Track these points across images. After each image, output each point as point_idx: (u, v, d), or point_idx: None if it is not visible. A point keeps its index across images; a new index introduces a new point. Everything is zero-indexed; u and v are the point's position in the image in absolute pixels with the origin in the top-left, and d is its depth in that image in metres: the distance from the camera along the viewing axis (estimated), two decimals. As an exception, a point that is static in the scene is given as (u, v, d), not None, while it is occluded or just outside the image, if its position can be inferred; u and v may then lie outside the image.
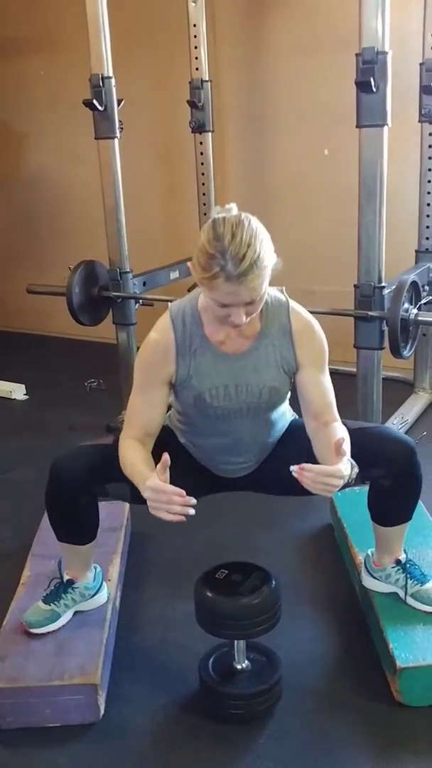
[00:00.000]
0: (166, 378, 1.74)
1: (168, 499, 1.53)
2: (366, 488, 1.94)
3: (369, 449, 1.80)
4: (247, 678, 1.78)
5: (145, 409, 1.77)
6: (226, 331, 1.69)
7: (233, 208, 1.60)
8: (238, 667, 1.80)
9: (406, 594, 1.94)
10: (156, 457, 1.63)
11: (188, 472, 1.78)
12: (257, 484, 1.93)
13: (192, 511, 1.52)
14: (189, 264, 1.60)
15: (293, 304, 1.76)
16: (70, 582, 1.98)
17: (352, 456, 1.64)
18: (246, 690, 1.75)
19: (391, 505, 1.91)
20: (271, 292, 1.72)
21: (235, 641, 1.78)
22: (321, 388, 1.76)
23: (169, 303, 1.79)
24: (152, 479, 1.55)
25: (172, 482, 1.59)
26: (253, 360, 1.73)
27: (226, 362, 1.73)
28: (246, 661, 1.81)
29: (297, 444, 1.82)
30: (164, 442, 1.79)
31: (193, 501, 1.53)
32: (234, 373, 1.73)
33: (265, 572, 1.75)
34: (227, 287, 1.52)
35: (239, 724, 1.73)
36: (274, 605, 1.72)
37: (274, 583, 1.73)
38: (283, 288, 1.78)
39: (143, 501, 1.84)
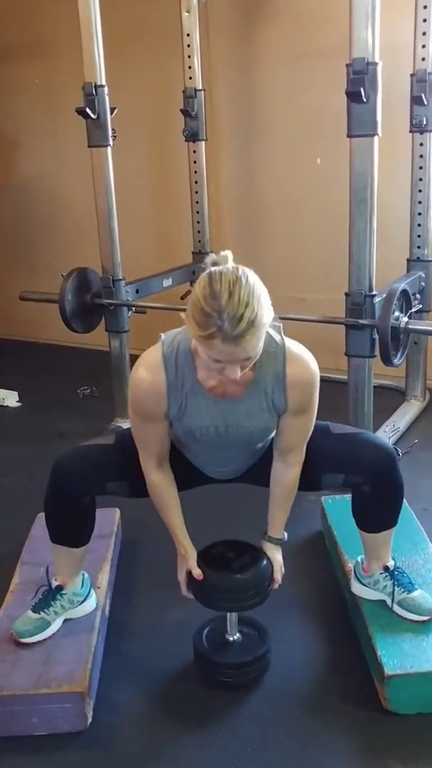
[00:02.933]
0: (162, 413, 1.73)
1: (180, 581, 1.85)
2: (354, 495, 1.95)
3: (349, 455, 1.84)
4: (238, 649, 1.90)
5: (153, 439, 1.78)
6: (219, 379, 1.64)
7: (228, 257, 1.54)
8: (230, 638, 1.90)
9: (392, 601, 1.94)
10: None
11: (180, 466, 1.86)
12: (248, 479, 1.96)
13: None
14: (183, 316, 1.54)
15: (289, 347, 1.69)
16: (59, 588, 1.97)
17: (334, 461, 1.83)
18: (236, 659, 1.87)
19: (373, 512, 1.92)
20: (269, 334, 1.65)
21: (228, 614, 1.87)
22: (296, 431, 1.78)
23: (161, 335, 1.72)
24: (183, 571, 1.85)
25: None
26: (246, 406, 1.72)
27: (218, 405, 1.72)
28: (237, 634, 1.91)
29: None
30: None
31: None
32: (225, 416, 1.73)
33: (257, 550, 1.87)
34: (223, 347, 1.48)
35: (232, 690, 1.84)
36: (264, 581, 1.83)
37: (265, 561, 1.85)
38: (280, 325, 1.69)
39: (142, 495, 1.88)
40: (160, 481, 1.82)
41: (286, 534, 1.92)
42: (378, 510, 1.91)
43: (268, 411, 1.73)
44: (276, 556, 1.90)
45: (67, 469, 1.84)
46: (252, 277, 1.50)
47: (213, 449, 1.82)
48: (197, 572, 1.81)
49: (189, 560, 1.84)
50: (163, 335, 1.73)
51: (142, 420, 1.76)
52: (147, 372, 1.70)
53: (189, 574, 1.84)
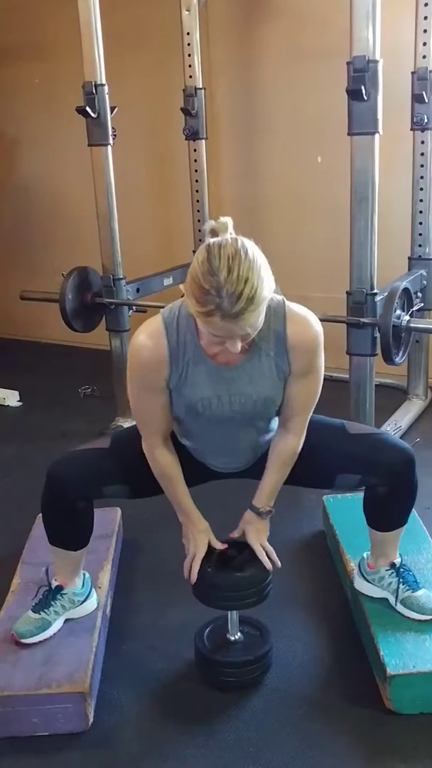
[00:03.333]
0: (163, 383, 1.69)
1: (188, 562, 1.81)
2: (358, 495, 1.94)
3: (367, 457, 1.81)
4: (239, 648, 1.88)
5: (156, 412, 1.72)
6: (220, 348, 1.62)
7: (228, 224, 1.52)
8: (232, 638, 1.89)
9: (396, 599, 1.93)
10: None
11: (184, 462, 1.82)
12: (252, 474, 1.91)
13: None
14: (182, 287, 1.53)
15: (289, 308, 1.66)
16: (59, 588, 1.96)
17: (351, 462, 1.80)
18: (238, 659, 1.85)
19: (387, 511, 1.91)
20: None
21: (228, 613, 1.86)
22: (300, 396, 1.73)
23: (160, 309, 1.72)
24: (201, 550, 1.80)
25: None
26: (248, 371, 1.68)
27: (220, 373, 1.67)
28: (239, 633, 1.90)
29: None
30: None
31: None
32: (227, 385, 1.69)
33: None
34: (222, 324, 1.46)
35: (234, 690, 1.83)
36: (264, 580, 1.81)
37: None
38: (279, 292, 1.65)
39: (140, 496, 1.88)
40: (166, 458, 1.78)
41: (272, 510, 1.84)
42: (391, 510, 1.89)
43: (270, 376, 1.68)
44: (250, 529, 1.82)
45: (62, 475, 1.81)
46: (252, 250, 1.47)
47: (215, 429, 1.75)
48: (216, 544, 1.80)
49: (201, 534, 1.81)
50: (162, 310, 1.70)
51: (144, 391, 1.70)
52: (148, 338, 1.65)
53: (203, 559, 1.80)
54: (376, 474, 1.81)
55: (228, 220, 1.53)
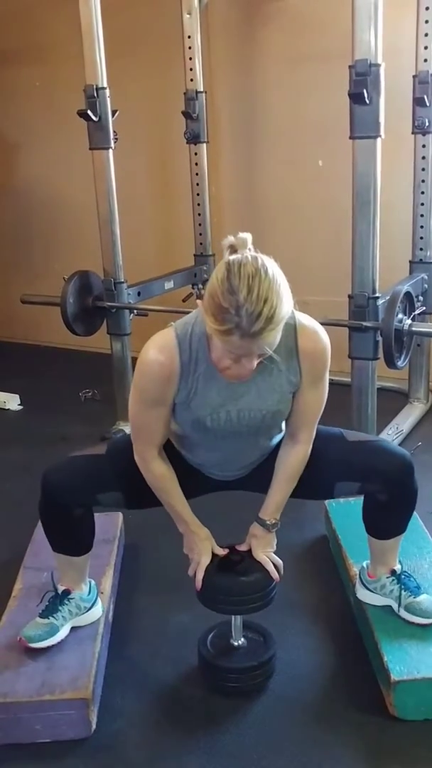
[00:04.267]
0: (170, 398, 1.68)
1: (193, 570, 1.80)
2: (360, 499, 1.93)
3: (366, 464, 1.80)
4: (243, 654, 1.88)
5: (157, 426, 1.71)
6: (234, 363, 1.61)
7: (248, 241, 1.50)
8: (235, 644, 1.89)
9: (399, 606, 1.92)
10: None
11: (181, 474, 1.80)
12: (251, 485, 1.90)
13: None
14: (199, 303, 1.52)
15: (299, 321, 1.64)
16: (66, 593, 1.95)
17: (350, 470, 1.79)
18: (241, 664, 1.85)
19: (387, 519, 1.90)
20: None
21: (232, 618, 1.86)
22: (308, 406, 1.73)
23: (171, 323, 1.68)
24: (205, 557, 1.80)
25: None
26: (258, 386, 1.66)
27: (230, 388, 1.66)
28: (242, 639, 1.90)
29: None
30: None
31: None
32: (236, 399, 1.67)
33: None
34: (241, 343, 1.45)
35: (237, 696, 1.83)
36: (268, 585, 1.80)
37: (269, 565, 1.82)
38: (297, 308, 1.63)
39: (137, 507, 1.85)
40: (161, 468, 1.76)
41: (278, 522, 1.84)
42: (391, 517, 1.89)
43: (280, 391, 1.68)
44: (256, 542, 1.82)
45: (56, 482, 1.80)
46: (272, 269, 1.45)
47: (220, 442, 1.74)
48: (218, 550, 1.81)
49: (203, 542, 1.80)
50: (173, 323, 1.67)
51: (149, 405, 1.68)
52: (160, 353, 1.62)
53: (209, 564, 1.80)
54: (375, 481, 1.80)
55: (247, 237, 1.51)
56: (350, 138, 2.58)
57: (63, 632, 1.91)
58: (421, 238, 3.26)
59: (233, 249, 1.50)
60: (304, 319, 1.66)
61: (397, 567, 1.98)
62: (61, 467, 1.83)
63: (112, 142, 3.18)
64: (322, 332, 1.68)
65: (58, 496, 1.80)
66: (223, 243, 1.51)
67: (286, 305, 1.47)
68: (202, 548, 1.81)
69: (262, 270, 1.44)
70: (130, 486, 1.80)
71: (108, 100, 3.12)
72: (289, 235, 3.89)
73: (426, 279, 3.20)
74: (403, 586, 1.93)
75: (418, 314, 2.89)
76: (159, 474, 1.77)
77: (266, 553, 1.83)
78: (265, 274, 1.43)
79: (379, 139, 2.56)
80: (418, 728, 1.72)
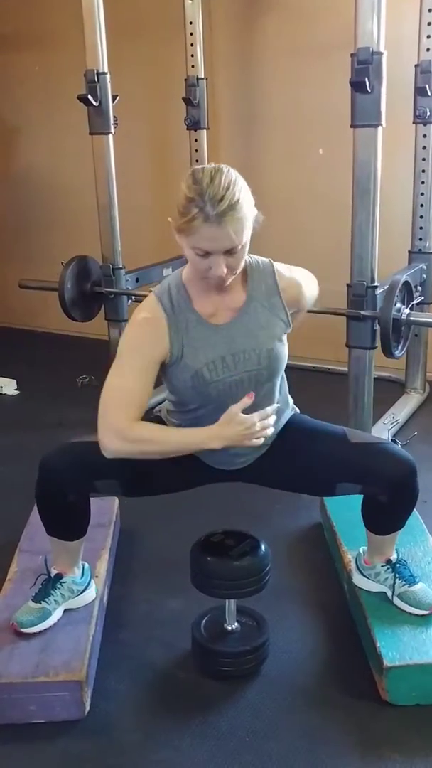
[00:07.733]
0: (158, 358, 1.68)
1: (251, 425, 1.62)
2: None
3: (369, 468, 1.79)
4: (236, 638, 1.89)
5: (140, 391, 1.67)
6: (215, 302, 1.68)
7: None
8: (229, 628, 1.90)
9: (393, 594, 1.94)
10: None
11: (183, 463, 1.76)
12: (253, 477, 1.89)
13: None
14: (169, 219, 1.60)
15: (278, 264, 1.77)
16: (59, 576, 1.96)
17: (353, 472, 1.79)
18: (235, 649, 1.86)
19: (386, 518, 1.91)
20: (254, 257, 1.74)
21: (226, 602, 1.88)
22: (306, 301, 1.84)
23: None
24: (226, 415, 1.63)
25: (166, 473, 1.76)
26: (244, 325, 1.70)
27: (219, 333, 1.69)
28: (236, 623, 1.91)
29: (295, 442, 1.84)
30: None
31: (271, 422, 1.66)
32: (228, 343, 1.69)
33: (256, 540, 1.86)
34: (206, 229, 1.53)
35: (231, 680, 1.83)
36: (262, 570, 1.82)
37: (263, 549, 1.84)
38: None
39: (134, 494, 1.86)
40: (143, 425, 1.69)
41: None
42: (390, 517, 1.89)
43: (267, 326, 1.71)
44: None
45: (54, 467, 1.79)
46: (235, 173, 1.58)
47: (223, 403, 1.66)
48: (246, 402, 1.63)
49: (214, 427, 1.64)
50: (152, 289, 1.77)
51: (136, 366, 1.66)
52: (141, 311, 1.71)
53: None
54: (377, 484, 1.79)
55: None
56: (351, 126, 2.57)
57: (55, 616, 1.92)
58: (421, 228, 3.26)
59: None
60: (282, 265, 1.79)
61: (393, 556, 1.99)
62: (60, 452, 1.83)
63: (112, 127, 3.17)
64: (298, 272, 1.81)
65: (56, 481, 1.80)
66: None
67: (248, 201, 1.58)
68: (222, 422, 1.64)
69: (225, 168, 1.58)
70: (129, 474, 1.80)
71: (108, 85, 3.11)
72: (288, 223, 3.88)
73: (425, 269, 3.20)
74: (397, 575, 1.94)
75: (417, 304, 2.89)
76: (146, 431, 1.68)
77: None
78: (228, 171, 1.57)
79: (380, 128, 2.55)
80: (409, 713, 1.73)
